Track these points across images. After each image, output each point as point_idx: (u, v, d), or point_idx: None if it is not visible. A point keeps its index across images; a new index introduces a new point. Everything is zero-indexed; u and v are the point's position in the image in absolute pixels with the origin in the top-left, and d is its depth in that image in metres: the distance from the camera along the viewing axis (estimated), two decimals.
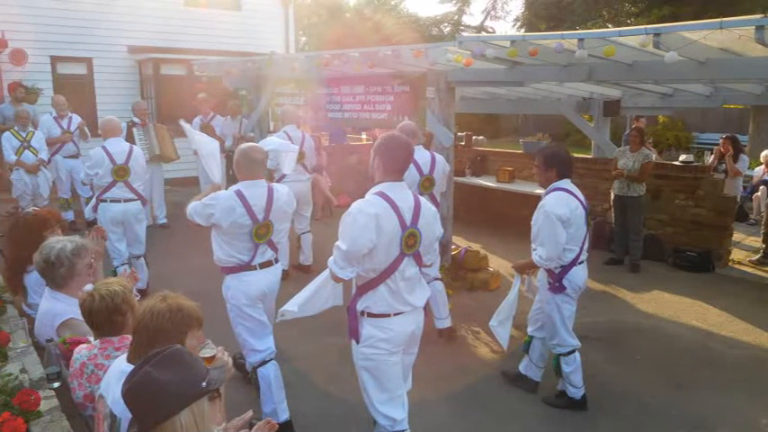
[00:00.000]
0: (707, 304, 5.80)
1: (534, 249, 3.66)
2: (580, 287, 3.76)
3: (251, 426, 2.06)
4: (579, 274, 3.71)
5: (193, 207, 3.42)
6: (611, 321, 5.40)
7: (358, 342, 2.78)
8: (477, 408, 3.90)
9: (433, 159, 4.70)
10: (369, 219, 2.57)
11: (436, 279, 4.77)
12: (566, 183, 3.68)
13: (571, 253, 3.63)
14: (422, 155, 4.59)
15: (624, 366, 4.52)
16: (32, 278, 3.42)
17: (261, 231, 3.43)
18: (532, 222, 3.68)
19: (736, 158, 7.97)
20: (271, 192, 3.50)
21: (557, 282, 3.68)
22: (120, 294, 2.40)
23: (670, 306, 5.79)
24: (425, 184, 4.61)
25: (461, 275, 6.18)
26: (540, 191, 3.99)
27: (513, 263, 4.05)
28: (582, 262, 3.73)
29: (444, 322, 4.85)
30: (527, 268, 3.89)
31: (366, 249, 2.59)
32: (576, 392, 3.83)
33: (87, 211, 5.62)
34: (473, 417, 3.79)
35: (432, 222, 2.82)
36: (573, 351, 3.80)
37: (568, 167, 3.72)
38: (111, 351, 2.36)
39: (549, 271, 3.71)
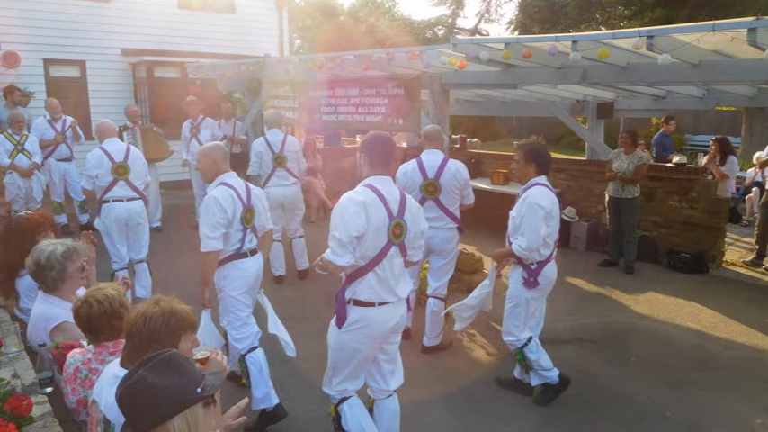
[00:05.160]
0: (701, 305, 5.81)
1: (515, 239, 3.73)
2: (552, 282, 3.89)
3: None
4: (552, 270, 3.85)
5: (205, 235, 3.48)
6: (606, 323, 5.40)
7: (340, 328, 2.87)
8: (473, 410, 3.89)
9: (443, 164, 4.43)
10: (358, 206, 2.73)
11: (437, 298, 4.60)
12: (544, 179, 3.79)
13: (548, 249, 3.74)
14: (430, 158, 4.45)
15: (619, 367, 4.52)
16: (25, 282, 3.39)
17: (247, 216, 3.64)
18: (511, 215, 3.79)
19: (723, 160, 8.00)
20: (246, 183, 3.76)
21: (531, 277, 3.76)
22: (117, 298, 2.38)
23: (664, 307, 5.80)
24: (429, 189, 4.43)
25: (456, 278, 6.16)
26: None
27: (493, 250, 4.02)
28: (552, 258, 3.85)
29: (432, 341, 4.65)
30: (506, 257, 3.93)
31: (357, 233, 2.70)
32: (552, 375, 3.86)
33: (83, 215, 5.55)
34: (469, 419, 3.78)
35: (417, 216, 2.98)
36: (530, 339, 3.87)
37: (547, 164, 3.82)
38: (106, 356, 2.34)
39: (525, 267, 3.78)
